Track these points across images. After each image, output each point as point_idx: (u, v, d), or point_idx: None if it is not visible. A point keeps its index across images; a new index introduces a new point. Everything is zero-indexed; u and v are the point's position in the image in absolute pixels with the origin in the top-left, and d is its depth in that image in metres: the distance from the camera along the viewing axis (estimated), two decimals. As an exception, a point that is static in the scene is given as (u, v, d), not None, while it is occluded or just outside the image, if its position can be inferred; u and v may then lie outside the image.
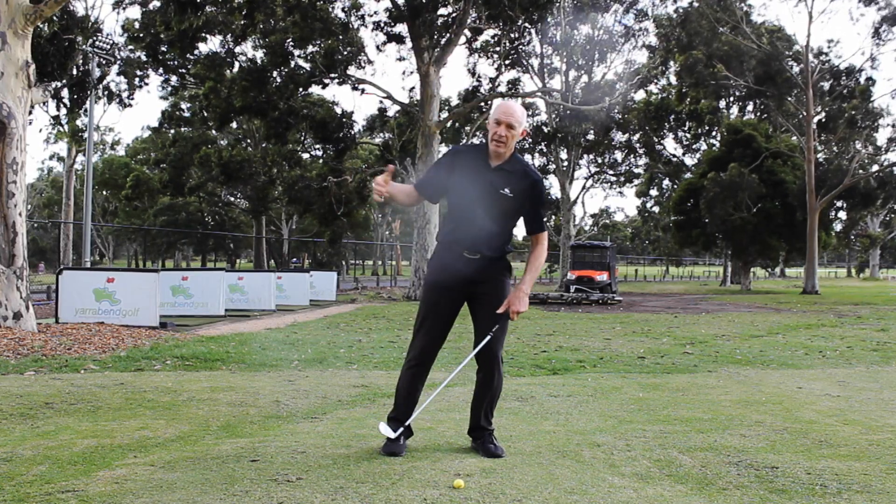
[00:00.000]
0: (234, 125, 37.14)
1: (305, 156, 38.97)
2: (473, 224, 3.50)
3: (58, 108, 29.80)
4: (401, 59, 27.51)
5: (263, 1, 21.97)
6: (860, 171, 34.20)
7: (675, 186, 44.11)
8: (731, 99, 41.63)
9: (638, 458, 3.55)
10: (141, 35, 25.83)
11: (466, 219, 3.52)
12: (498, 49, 28.51)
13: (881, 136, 39.13)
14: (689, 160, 44.10)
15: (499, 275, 3.59)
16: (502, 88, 29.88)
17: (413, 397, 3.63)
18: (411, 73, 27.23)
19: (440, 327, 3.59)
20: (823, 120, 34.71)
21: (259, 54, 26.62)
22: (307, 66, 25.16)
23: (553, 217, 46.49)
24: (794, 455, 3.64)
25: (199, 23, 22.47)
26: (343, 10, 24.40)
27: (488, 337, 3.53)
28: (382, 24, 24.08)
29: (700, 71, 31.49)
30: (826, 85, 33.47)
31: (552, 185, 42.91)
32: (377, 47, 26.03)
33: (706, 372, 6.92)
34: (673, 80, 38.46)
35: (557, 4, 24.85)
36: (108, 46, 22.38)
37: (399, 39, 24.15)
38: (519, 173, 3.54)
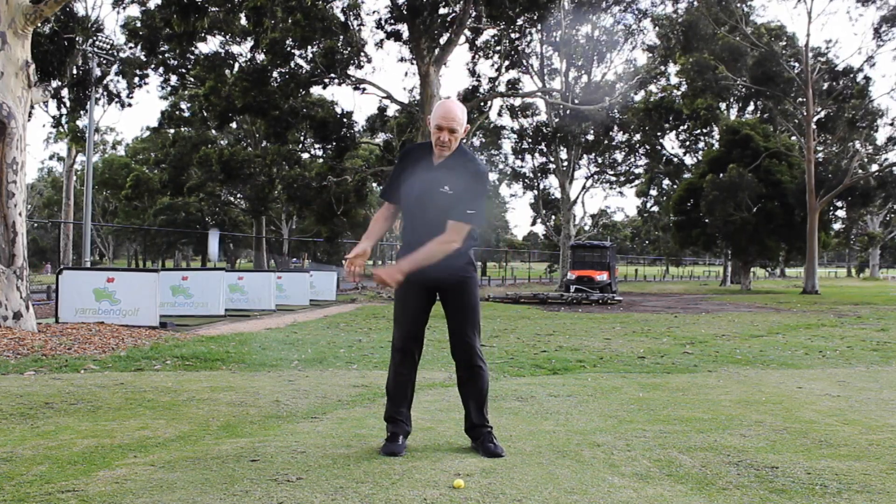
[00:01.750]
0: (233, 125, 37.15)
1: (305, 155, 39.00)
2: (425, 223, 3.48)
3: (58, 108, 29.79)
4: (402, 59, 27.66)
5: (270, 7, 22.00)
6: (860, 171, 34.21)
7: (675, 186, 44.11)
8: (732, 99, 41.66)
9: (638, 458, 3.55)
10: (140, 31, 25.82)
11: (418, 218, 3.53)
12: (498, 49, 28.52)
13: (880, 136, 39.10)
14: (689, 160, 44.14)
15: (462, 273, 3.56)
16: (502, 88, 29.92)
17: (401, 392, 3.64)
18: (413, 73, 27.26)
19: (414, 323, 3.62)
20: (822, 120, 34.72)
21: (260, 55, 26.62)
22: (307, 66, 25.17)
23: (553, 217, 46.48)
24: (794, 455, 3.64)
25: (202, 25, 22.50)
26: (343, 10, 24.42)
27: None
28: (383, 22, 24.08)
29: (710, 77, 31.59)
30: (825, 85, 33.49)
31: (552, 184, 42.94)
32: (375, 44, 26.00)
33: (706, 372, 6.92)
34: (673, 80, 38.51)
35: (557, 3, 24.83)
36: (109, 46, 22.38)
37: (398, 36, 24.15)
38: (459, 168, 3.48)
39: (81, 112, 27.37)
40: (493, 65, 30.00)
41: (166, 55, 28.20)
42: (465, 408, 3.68)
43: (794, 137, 37.20)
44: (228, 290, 14.42)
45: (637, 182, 48.83)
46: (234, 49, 29.01)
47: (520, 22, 25.04)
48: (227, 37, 28.07)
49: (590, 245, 29.49)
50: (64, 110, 29.22)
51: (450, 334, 3.63)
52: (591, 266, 26.25)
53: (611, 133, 38.42)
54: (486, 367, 3.68)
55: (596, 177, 43.04)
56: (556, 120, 35.20)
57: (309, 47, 24.62)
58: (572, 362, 7.40)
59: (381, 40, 24.79)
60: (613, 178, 44.31)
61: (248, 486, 2.96)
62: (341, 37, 24.09)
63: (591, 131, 36.34)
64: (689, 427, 4.29)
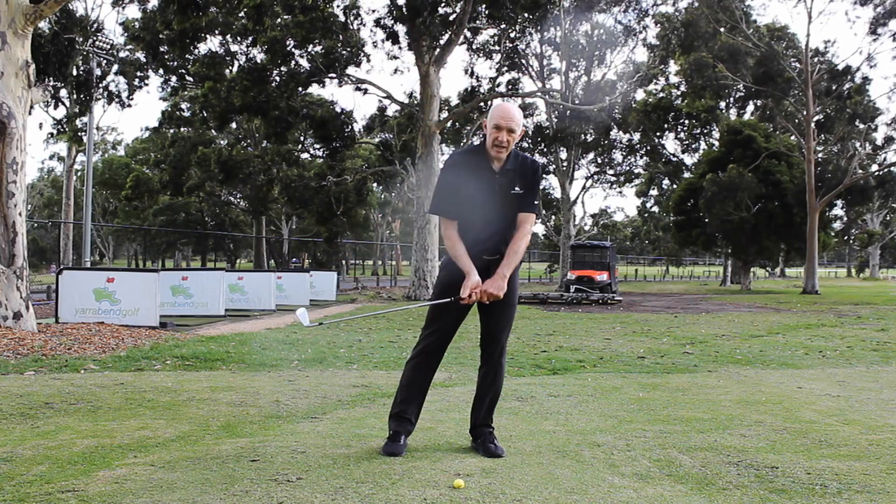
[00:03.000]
0: (233, 125, 37.14)
1: (305, 155, 39.00)
2: (492, 229, 3.54)
3: (55, 107, 29.82)
4: (394, 57, 27.56)
5: (271, 6, 21.97)
6: (859, 171, 34.24)
7: (675, 186, 44.12)
8: (731, 100, 41.68)
9: (638, 458, 3.55)
10: (140, 35, 25.82)
11: (484, 225, 3.54)
12: (498, 49, 28.51)
13: (879, 135, 39.11)
14: (689, 160, 44.15)
15: (511, 273, 3.59)
16: (502, 88, 29.91)
17: (413, 389, 3.63)
18: (407, 70, 27.20)
19: (450, 328, 3.62)
20: (822, 120, 34.73)
21: (260, 55, 26.62)
22: (307, 65, 25.16)
23: (553, 217, 46.49)
24: (794, 455, 3.64)
25: (201, 23, 22.48)
26: (342, 9, 24.40)
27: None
28: (382, 22, 24.05)
29: (709, 74, 31.66)
30: (825, 85, 33.51)
31: (552, 184, 42.98)
32: (374, 44, 25.97)
33: (706, 372, 6.92)
34: (673, 79, 38.49)
35: (558, 3, 24.82)
36: (109, 46, 22.38)
37: (395, 38, 24.12)
38: (520, 168, 3.59)
39: (78, 111, 27.39)
40: (492, 67, 30.02)
41: (166, 56, 28.17)
42: (476, 405, 3.69)
43: (793, 137, 37.22)
44: (228, 290, 14.42)
45: (637, 182, 48.83)
46: (234, 48, 29.01)
47: (520, 22, 25.03)
48: (227, 36, 28.05)
49: (590, 245, 29.48)
50: (64, 111, 29.27)
51: (484, 330, 3.65)
52: (591, 266, 26.23)
53: (611, 133, 38.41)
54: (505, 368, 3.72)
55: (596, 177, 43.06)
56: (556, 120, 35.20)
57: (309, 46, 24.60)
58: (572, 362, 7.40)
59: (381, 40, 24.78)
60: (613, 178, 44.33)
61: (248, 486, 2.96)
62: (341, 36, 24.07)
63: (591, 131, 36.32)
64: (689, 427, 4.29)
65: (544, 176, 41.06)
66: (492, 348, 3.62)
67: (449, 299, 3.47)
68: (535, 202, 3.64)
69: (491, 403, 3.67)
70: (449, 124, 27.53)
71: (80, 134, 27.29)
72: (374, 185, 41.07)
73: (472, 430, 3.70)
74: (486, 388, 3.67)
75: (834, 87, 33.20)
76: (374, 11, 34.05)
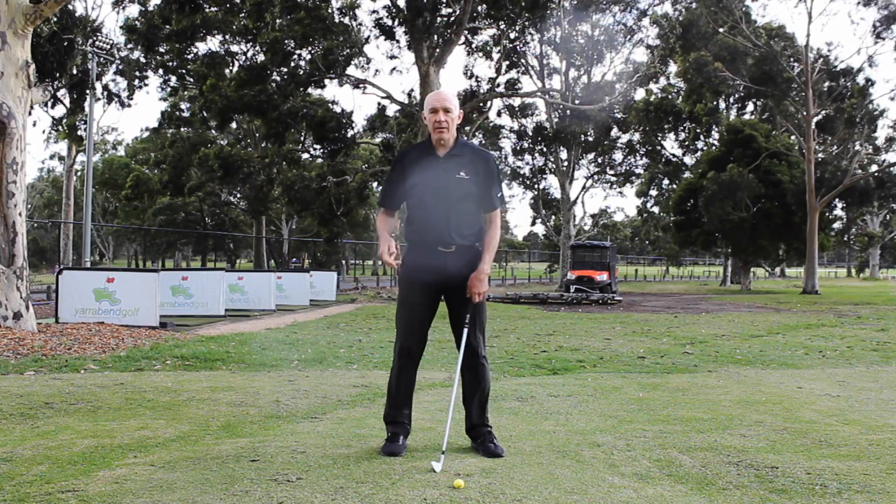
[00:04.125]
0: (233, 125, 37.11)
1: (305, 156, 38.97)
2: (440, 217, 3.53)
3: (53, 107, 29.82)
4: (393, 57, 27.60)
5: (270, 4, 22.00)
6: (859, 171, 34.22)
7: (675, 186, 44.08)
8: (731, 100, 41.65)
9: (638, 458, 3.55)
10: (139, 29, 25.78)
11: (431, 213, 3.55)
12: (498, 49, 28.53)
13: (880, 136, 39.03)
14: (689, 160, 44.11)
15: (473, 267, 3.58)
16: (501, 89, 29.92)
17: (404, 392, 3.64)
18: (407, 70, 27.28)
19: (420, 323, 3.62)
20: (822, 120, 34.72)
21: (260, 55, 26.61)
22: (307, 66, 25.17)
23: (553, 217, 46.47)
24: (794, 455, 3.64)
25: (197, 20, 22.51)
26: (341, 9, 24.42)
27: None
28: (382, 24, 24.07)
29: (709, 70, 31.70)
30: (825, 85, 33.49)
31: (552, 184, 42.95)
32: (375, 39, 25.96)
33: (706, 372, 6.92)
34: (673, 80, 38.48)
35: (558, 3, 24.85)
36: (108, 46, 22.39)
37: (391, 36, 24.13)
38: (468, 155, 3.59)
39: (80, 112, 27.37)
40: (491, 67, 30.03)
41: (165, 56, 28.16)
42: (467, 407, 3.68)
43: (793, 137, 37.22)
44: (228, 290, 14.41)
45: (637, 182, 48.80)
46: (234, 48, 29.00)
47: (519, 22, 25.05)
48: (227, 36, 28.05)
49: (590, 245, 29.49)
50: (63, 110, 29.27)
51: (455, 332, 3.64)
52: (591, 266, 26.24)
53: (611, 133, 38.40)
54: (488, 366, 3.70)
55: (596, 177, 43.03)
56: (556, 120, 35.20)
57: (308, 47, 24.61)
58: (572, 362, 7.40)
59: (380, 38, 24.80)
60: (613, 178, 44.30)
61: (248, 486, 2.96)
62: (341, 38, 24.08)
63: (591, 131, 36.32)
64: (689, 427, 4.29)
65: (543, 176, 41.07)
66: (466, 349, 3.59)
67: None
68: (499, 195, 3.64)
69: (481, 404, 3.65)
70: (449, 124, 27.49)
71: (78, 133, 27.28)
72: (375, 184, 41.08)
73: (470, 432, 3.70)
74: (472, 390, 3.65)
75: (835, 88, 33.19)
76: (374, 12, 34.08)
